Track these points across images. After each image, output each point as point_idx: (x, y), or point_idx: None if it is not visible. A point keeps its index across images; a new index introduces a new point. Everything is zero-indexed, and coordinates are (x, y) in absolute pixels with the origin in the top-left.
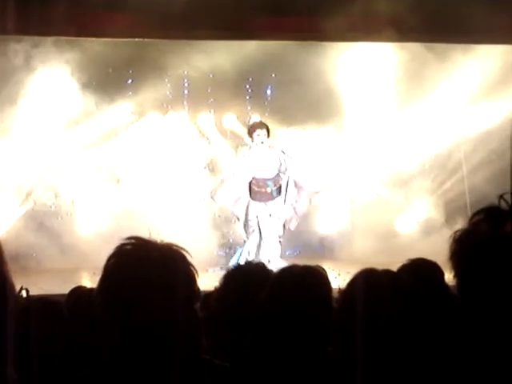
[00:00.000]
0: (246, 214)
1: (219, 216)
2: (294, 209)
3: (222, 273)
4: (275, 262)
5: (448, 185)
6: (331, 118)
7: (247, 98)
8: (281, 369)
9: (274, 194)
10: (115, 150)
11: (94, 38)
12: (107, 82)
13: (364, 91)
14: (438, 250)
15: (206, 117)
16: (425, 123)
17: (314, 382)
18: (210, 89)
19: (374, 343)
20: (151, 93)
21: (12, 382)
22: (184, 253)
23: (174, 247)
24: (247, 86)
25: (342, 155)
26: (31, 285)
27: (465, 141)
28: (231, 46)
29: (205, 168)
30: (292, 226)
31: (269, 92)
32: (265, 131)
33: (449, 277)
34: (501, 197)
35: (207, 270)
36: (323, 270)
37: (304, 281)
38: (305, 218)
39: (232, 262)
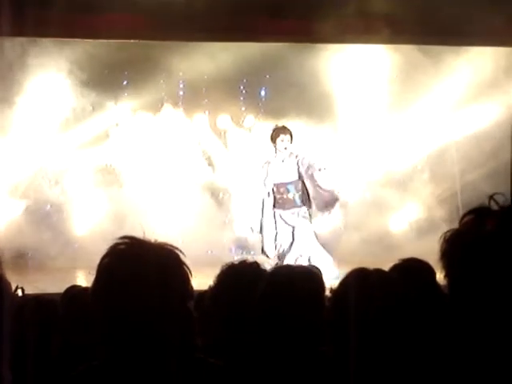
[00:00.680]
0: (275, 227)
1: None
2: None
3: None
4: (331, 271)
5: (440, 185)
6: (325, 120)
7: (241, 99)
8: (274, 367)
9: (298, 201)
10: (111, 150)
11: (89, 40)
12: (103, 83)
13: (358, 93)
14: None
15: (201, 117)
16: (418, 124)
17: (307, 380)
18: (205, 90)
19: (365, 342)
20: (146, 94)
21: (7, 382)
22: (178, 252)
23: (168, 247)
24: (241, 88)
25: (336, 156)
26: (26, 284)
27: (457, 142)
28: (226, 47)
29: (201, 168)
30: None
31: (263, 93)
32: (288, 137)
33: (440, 277)
34: (491, 197)
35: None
36: (317, 269)
37: (297, 280)
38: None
39: None
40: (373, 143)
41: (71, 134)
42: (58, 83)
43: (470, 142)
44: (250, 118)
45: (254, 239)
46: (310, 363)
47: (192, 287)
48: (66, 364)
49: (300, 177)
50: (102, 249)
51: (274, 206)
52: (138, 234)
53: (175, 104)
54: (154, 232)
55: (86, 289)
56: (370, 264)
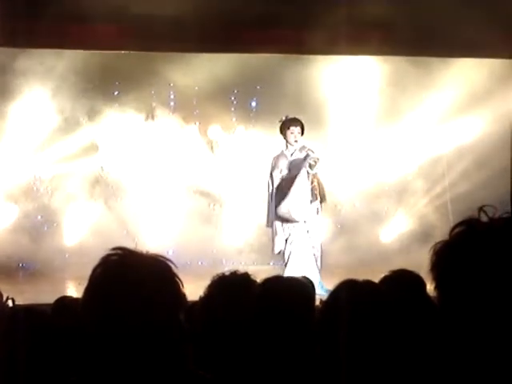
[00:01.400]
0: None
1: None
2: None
3: None
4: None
5: (430, 196)
6: (315, 131)
7: (232, 109)
8: (264, 379)
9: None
10: (102, 161)
11: (80, 50)
12: (93, 93)
13: (349, 104)
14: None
15: (192, 128)
16: (409, 135)
17: None
18: (196, 100)
19: (355, 353)
20: (137, 104)
21: None
22: (169, 264)
23: (160, 258)
24: (232, 98)
25: (326, 167)
26: (17, 294)
27: (448, 152)
28: (217, 58)
29: (191, 178)
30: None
31: (254, 104)
32: (299, 128)
33: (430, 288)
34: (480, 209)
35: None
36: (308, 280)
37: (287, 292)
38: None
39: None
40: (364, 154)
41: (62, 143)
42: (48, 93)
43: (460, 153)
44: (241, 129)
45: (244, 250)
46: (300, 375)
47: (183, 299)
48: (56, 374)
49: (308, 172)
50: (92, 259)
51: (281, 199)
52: (129, 244)
53: (166, 115)
54: (145, 243)
55: (76, 299)
56: (360, 275)
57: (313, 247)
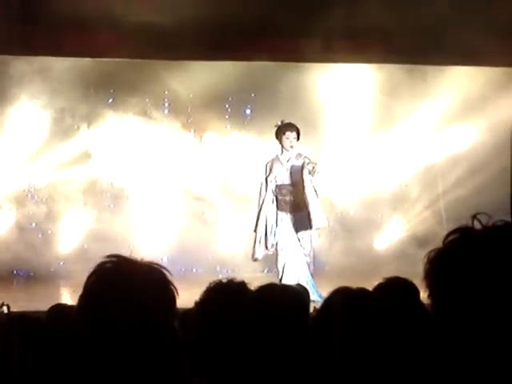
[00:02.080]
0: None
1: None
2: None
3: None
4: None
5: (425, 203)
6: (310, 138)
7: (227, 117)
8: None
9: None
10: (96, 168)
11: (75, 58)
12: (89, 101)
13: (343, 111)
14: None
15: (186, 135)
16: (403, 143)
17: None
18: (190, 108)
19: (348, 359)
20: (132, 111)
21: None
22: (164, 271)
23: (155, 265)
24: (227, 106)
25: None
26: (11, 301)
27: (442, 160)
28: (211, 66)
29: (185, 186)
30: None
31: (248, 112)
32: (295, 134)
33: (424, 296)
34: (474, 217)
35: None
36: (302, 288)
37: (282, 299)
38: None
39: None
40: (359, 161)
41: (56, 151)
42: (43, 100)
43: (454, 161)
44: (235, 136)
45: (239, 257)
46: (294, 381)
47: (177, 306)
48: (51, 381)
49: (302, 180)
50: (87, 267)
51: (277, 208)
52: (124, 252)
53: (160, 122)
54: (140, 250)
55: (71, 307)
56: (355, 282)
57: (305, 255)
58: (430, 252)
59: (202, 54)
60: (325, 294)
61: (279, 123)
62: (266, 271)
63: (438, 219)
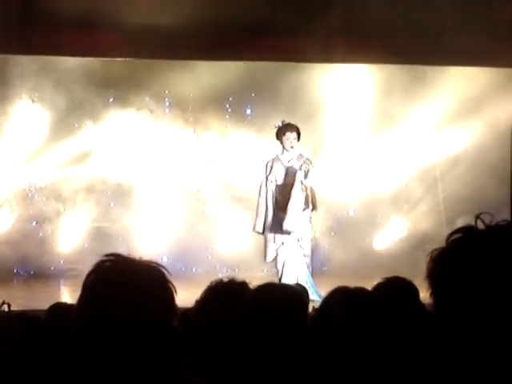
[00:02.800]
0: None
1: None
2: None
3: None
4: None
5: (424, 203)
6: (310, 139)
7: (227, 117)
8: None
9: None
10: (97, 167)
11: (76, 58)
12: (89, 100)
13: (343, 111)
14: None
15: (186, 135)
16: (402, 143)
17: None
18: (191, 108)
19: (347, 359)
20: (132, 111)
21: None
22: (163, 270)
23: (154, 264)
24: (227, 106)
25: (320, 174)
26: (12, 300)
27: (441, 160)
28: (212, 65)
29: (186, 185)
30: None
31: (248, 111)
32: (295, 134)
33: (423, 296)
34: (477, 217)
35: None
36: (302, 287)
37: (281, 298)
38: None
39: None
40: (359, 161)
41: (57, 150)
42: (43, 100)
43: (453, 161)
44: (236, 136)
45: (239, 256)
46: (293, 380)
47: (176, 305)
48: (50, 380)
49: (302, 181)
50: (87, 266)
51: (274, 208)
52: (123, 251)
53: (161, 121)
54: (140, 249)
55: (70, 306)
56: (354, 281)
57: (304, 255)
58: (433, 251)
59: (202, 54)
60: (324, 293)
61: (279, 124)
62: (265, 271)
63: (438, 219)
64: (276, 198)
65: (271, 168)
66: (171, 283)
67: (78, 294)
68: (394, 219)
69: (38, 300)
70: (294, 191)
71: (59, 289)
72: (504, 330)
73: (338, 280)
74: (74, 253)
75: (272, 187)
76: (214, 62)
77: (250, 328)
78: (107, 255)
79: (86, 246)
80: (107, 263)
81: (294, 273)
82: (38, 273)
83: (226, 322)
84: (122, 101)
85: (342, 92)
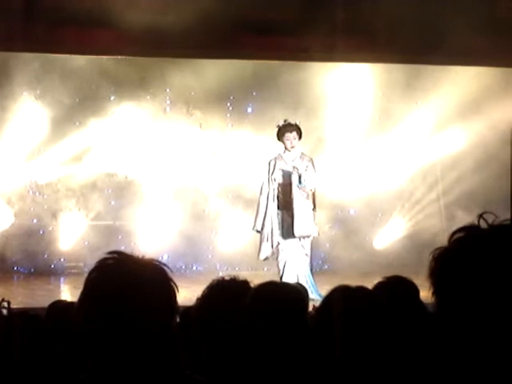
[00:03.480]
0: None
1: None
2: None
3: None
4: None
5: (424, 203)
6: (311, 137)
7: (228, 115)
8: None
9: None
10: (98, 165)
11: (76, 55)
12: (90, 98)
13: (344, 110)
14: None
15: (188, 133)
16: (403, 142)
17: None
18: (192, 106)
19: (348, 357)
20: (133, 109)
21: None
22: (165, 268)
23: (156, 262)
24: (228, 104)
25: (322, 173)
26: (12, 297)
27: (442, 159)
28: (213, 64)
29: (186, 183)
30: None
31: (249, 110)
32: (295, 134)
33: (423, 295)
34: (480, 216)
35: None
36: (302, 286)
37: (281, 297)
38: None
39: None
40: (360, 160)
41: (57, 148)
42: (44, 98)
43: (454, 160)
44: (237, 135)
45: (239, 255)
46: (294, 379)
47: (177, 303)
48: (50, 376)
49: (291, 185)
50: (88, 263)
51: (278, 208)
52: (125, 248)
53: (162, 119)
54: (141, 247)
55: (70, 303)
56: (355, 280)
57: (306, 255)
58: (436, 250)
59: (204, 52)
60: (325, 292)
61: (280, 124)
62: (266, 269)
63: (438, 218)
64: (278, 197)
65: (274, 167)
66: (173, 281)
67: (78, 291)
68: (395, 218)
69: (38, 297)
70: (294, 191)
71: (59, 286)
72: (506, 329)
73: (339, 278)
74: (75, 250)
75: (274, 186)
76: (216, 60)
77: (251, 326)
78: (109, 253)
79: (86, 243)
80: (109, 261)
81: (295, 272)
82: (38, 270)
83: (226, 320)
84: (124, 98)
85: (343, 91)
